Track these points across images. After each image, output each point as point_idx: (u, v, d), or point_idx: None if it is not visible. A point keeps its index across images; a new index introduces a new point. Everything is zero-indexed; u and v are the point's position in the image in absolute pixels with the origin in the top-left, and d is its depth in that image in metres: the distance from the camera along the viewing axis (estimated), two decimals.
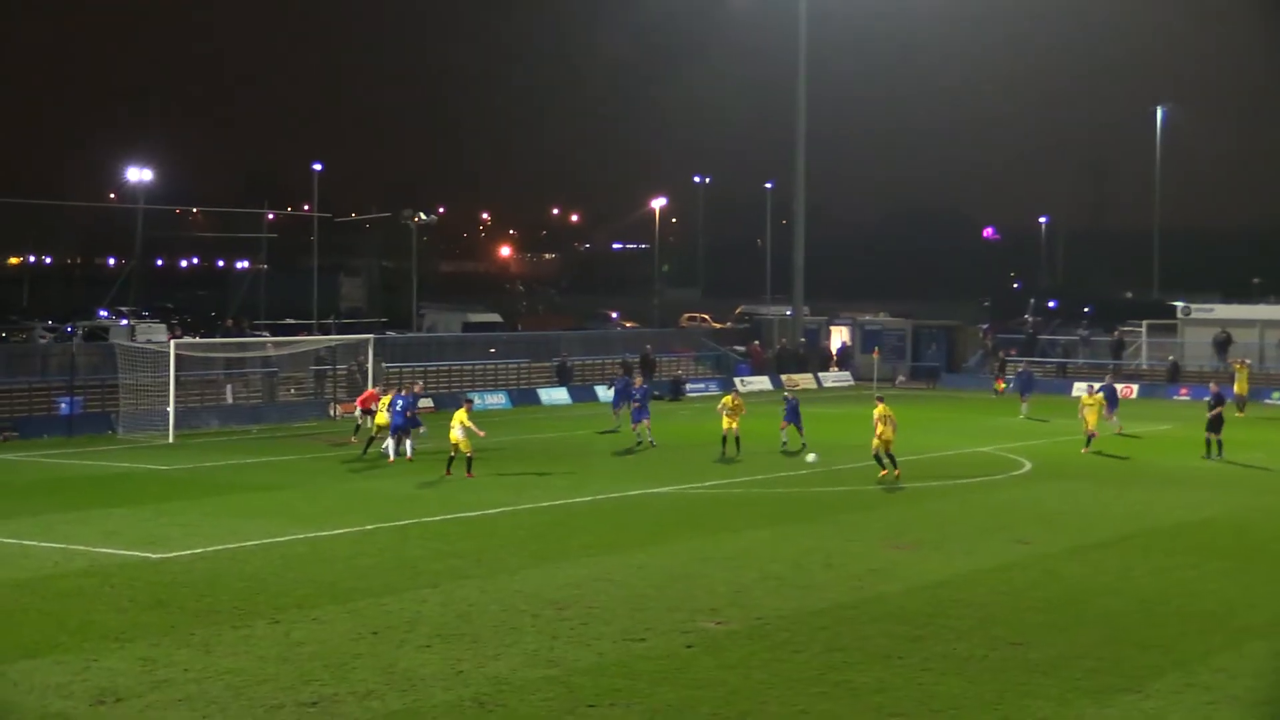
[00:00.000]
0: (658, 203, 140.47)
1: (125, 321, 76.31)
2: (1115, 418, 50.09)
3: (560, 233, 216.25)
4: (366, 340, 56.06)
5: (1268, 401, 64.68)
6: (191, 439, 48.31)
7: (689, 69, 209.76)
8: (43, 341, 68.78)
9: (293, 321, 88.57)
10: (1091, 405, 46.02)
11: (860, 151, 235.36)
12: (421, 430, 44.23)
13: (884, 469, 38.02)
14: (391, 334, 75.14)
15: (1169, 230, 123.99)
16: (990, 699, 18.40)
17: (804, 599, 23.91)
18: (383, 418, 42.36)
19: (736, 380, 69.38)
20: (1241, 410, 58.49)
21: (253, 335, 73.02)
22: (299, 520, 31.37)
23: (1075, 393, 53.98)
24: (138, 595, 23.88)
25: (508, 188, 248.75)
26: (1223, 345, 71.47)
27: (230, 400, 55.49)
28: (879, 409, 38.57)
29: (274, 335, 71.89)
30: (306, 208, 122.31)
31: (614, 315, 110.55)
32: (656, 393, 60.95)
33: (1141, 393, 69.06)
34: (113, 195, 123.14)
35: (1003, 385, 67.75)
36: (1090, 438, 45.36)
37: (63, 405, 50.93)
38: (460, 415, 38.20)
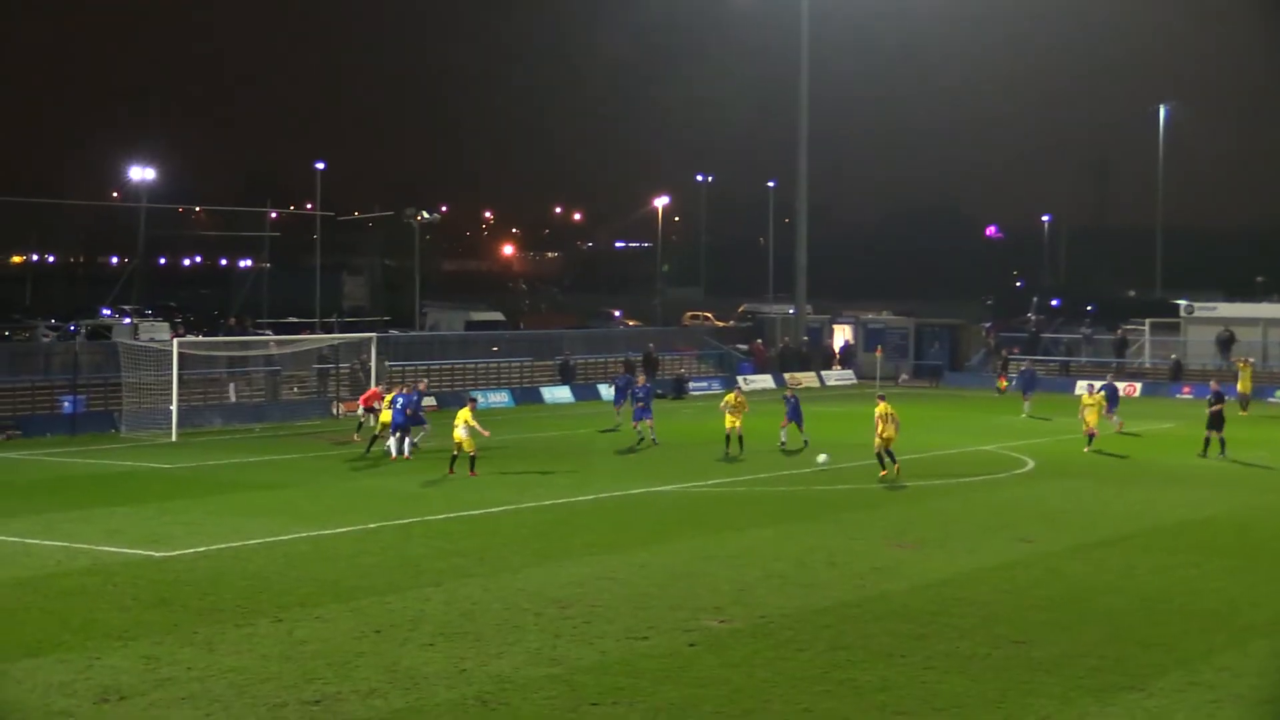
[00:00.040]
0: (660, 201, 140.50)
1: (128, 320, 76.26)
2: (1115, 416, 50.05)
3: (563, 231, 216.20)
4: (369, 339, 56.09)
5: (1271, 400, 64.66)
6: (194, 437, 48.32)
7: (691, 68, 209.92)
8: (46, 340, 68.76)
9: (295, 320, 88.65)
10: (1091, 405, 46.01)
11: (863, 150, 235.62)
12: (426, 428, 44.24)
13: (885, 468, 38.02)
14: (394, 333, 75.11)
15: (1172, 229, 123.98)
16: (993, 697, 18.40)
17: (807, 597, 23.91)
18: (387, 416, 42.45)
19: (739, 379, 69.36)
20: (1245, 409, 58.48)
21: (255, 334, 73.08)
22: (302, 519, 31.38)
23: (1078, 391, 53.91)
24: (141, 594, 23.89)
25: (510, 186, 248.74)
26: (1226, 344, 71.45)
27: (233, 399, 55.50)
28: (880, 407, 38.60)
29: (277, 334, 72.00)
30: (309, 206, 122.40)
31: (617, 314, 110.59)
32: (659, 391, 60.97)
33: (1144, 391, 69.07)
34: (116, 194, 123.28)
35: (1005, 383, 67.76)
36: (1090, 437, 45.37)
37: (66, 404, 50.94)
38: (465, 414, 38.21)
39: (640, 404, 46.84)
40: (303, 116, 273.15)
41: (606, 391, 60.17)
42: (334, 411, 54.93)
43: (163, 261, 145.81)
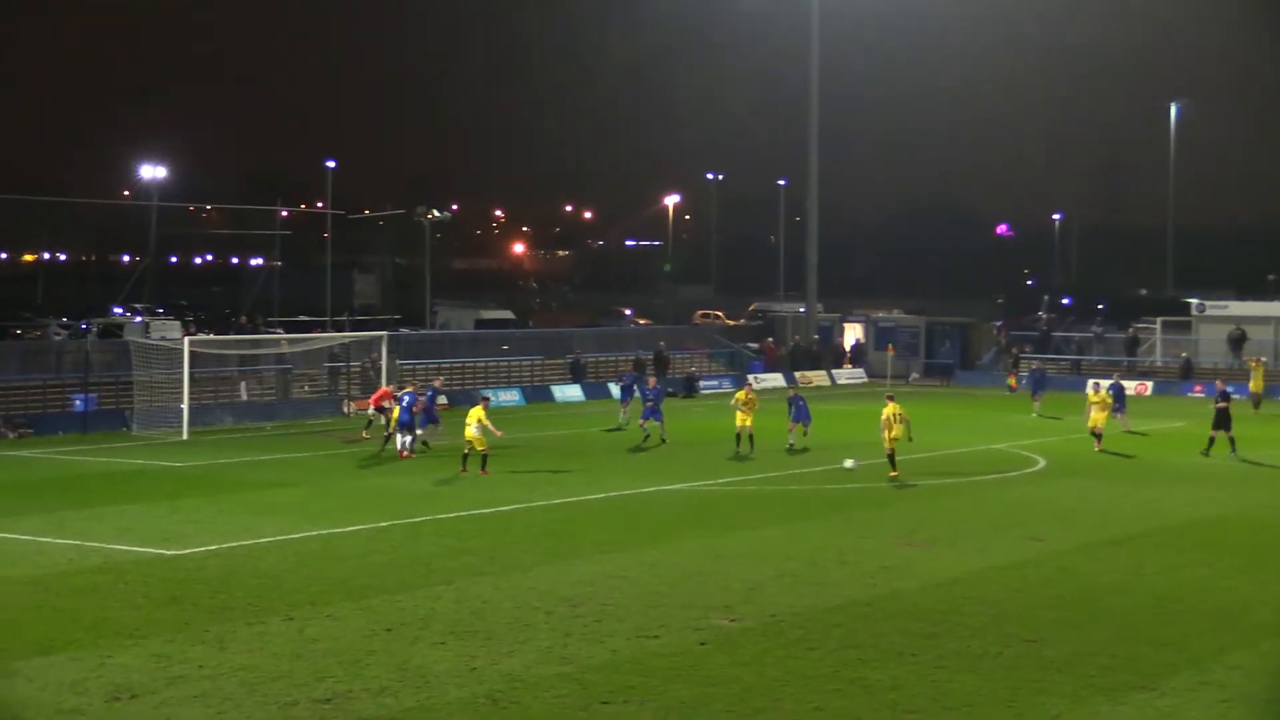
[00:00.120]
0: (671, 200, 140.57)
1: (139, 318, 76.43)
2: (1120, 416, 49.89)
3: (574, 230, 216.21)
4: (380, 337, 56.15)
5: None
6: (205, 436, 48.39)
7: (701, 66, 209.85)
8: (57, 338, 68.83)
9: (306, 318, 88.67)
10: (1097, 403, 45.94)
11: (873, 149, 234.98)
12: (439, 427, 44.27)
13: (895, 468, 37.99)
14: (405, 331, 75.19)
15: (1183, 227, 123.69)
16: (1004, 696, 18.39)
17: (818, 596, 23.90)
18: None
19: (750, 377, 69.32)
20: (1257, 408, 58.36)
21: (267, 332, 73.17)
22: (313, 517, 31.42)
23: (1087, 390, 53.84)
24: (152, 592, 23.93)
25: (521, 185, 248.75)
26: (1237, 342, 71.35)
27: (244, 397, 55.57)
28: (889, 409, 38.55)
29: (288, 332, 72.04)
30: (320, 205, 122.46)
31: (628, 312, 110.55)
32: (670, 390, 60.98)
33: (1156, 390, 69.03)
34: (127, 193, 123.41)
35: (1015, 381, 67.68)
36: (1098, 436, 45.24)
37: (77, 402, 51.03)
38: (477, 412, 38.25)
39: (650, 404, 46.83)
40: (313, 115, 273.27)
41: (617, 390, 60.18)
42: (345, 410, 54.97)
43: (174, 260, 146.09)
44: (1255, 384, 60.08)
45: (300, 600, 23.23)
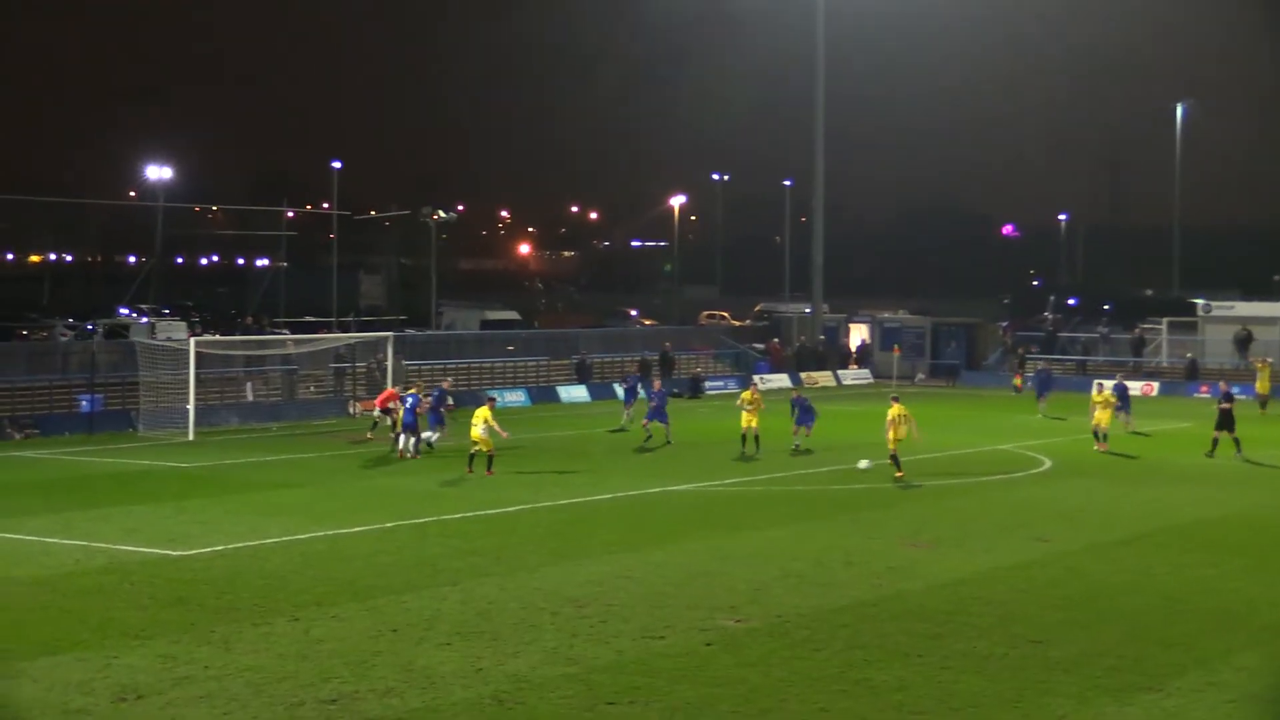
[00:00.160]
0: (676, 200, 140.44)
1: (145, 319, 76.45)
2: (1124, 415, 49.79)
3: (579, 230, 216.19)
4: (386, 338, 56.17)
5: None
6: (211, 436, 48.42)
7: (707, 67, 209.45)
8: (63, 339, 68.89)
9: (312, 319, 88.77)
10: (1101, 403, 45.90)
11: (878, 149, 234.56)
12: (444, 430, 44.24)
13: (900, 469, 37.97)
14: (410, 332, 75.24)
15: (1189, 227, 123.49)
16: (1010, 697, 18.38)
17: (824, 597, 23.89)
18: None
19: (755, 378, 69.32)
20: (1264, 409, 58.29)
21: (272, 333, 73.21)
22: (319, 518, 31.43)
23: (1093, 390, 53.77)
24: (158, 592, 23.94)
25: (527, 185, 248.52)
26: (1243, 343, 71.28)
27: (250, 398, 55.61)
28: (894, 410, 38.55)
29: (293, 333, 72.11)
30: (326, 205, 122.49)
31: (633, 313, 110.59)
32: (675, 390, 60.96)
33: (1162, 390, 68.97)
34: (133, 193, 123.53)
35: (1020, 381, 67.64)
36: (1101, 435, 45.18)
37: (83, 403, 51.08)
38: (484, 413, 38.25)
39: (654, 404, 46.86)
40: (319, 115, 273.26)
41: (620, 392, 60.19)
42: (350, 410, 55.01)
43: (180, 261, 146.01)
44: (1261, 384, 59.99)
45: (306, 601, 23.24)
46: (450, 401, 46.29)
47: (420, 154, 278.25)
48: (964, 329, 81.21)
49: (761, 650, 20.39)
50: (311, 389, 58.27)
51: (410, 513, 32.01)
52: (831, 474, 39.53)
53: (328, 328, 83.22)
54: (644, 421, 47.07)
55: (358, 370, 57.90)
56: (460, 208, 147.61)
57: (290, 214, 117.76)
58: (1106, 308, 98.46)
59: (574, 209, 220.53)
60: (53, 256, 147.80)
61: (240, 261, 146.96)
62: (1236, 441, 43.65)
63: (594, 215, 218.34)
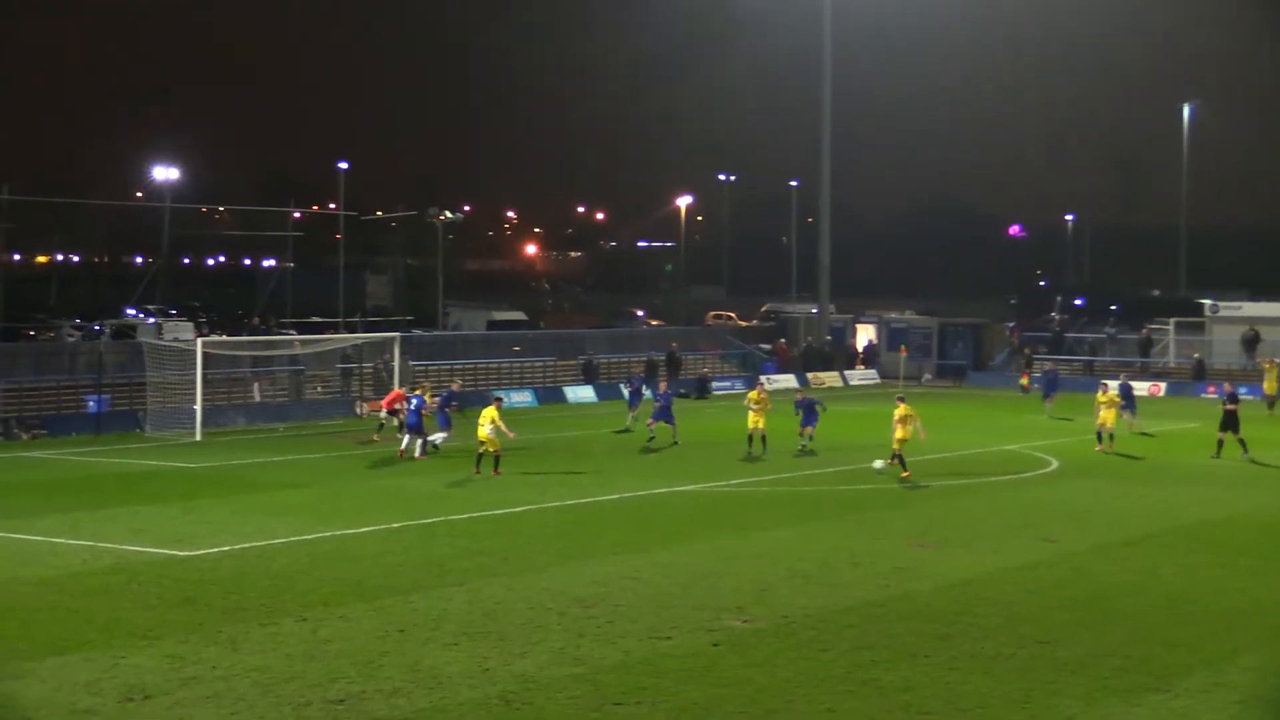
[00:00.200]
0: (683, 201, 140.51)
1: (152, 320, 76.59)
2: (1127, 415, 49.73)
3: (586, 231, 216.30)
4: (393, 338, 56.19)
5: None
6: (218, 437, 48.46)
7: (713, 67, 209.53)
8: (71, 340, 69.00)
9: (319, 320, 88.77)
10: (1106, 402, 45.85)
11: (885, 149, 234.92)
12: (449, 432, 44.21)
13: (906, 469, 37.96)
14: (417, 332, 75.22)
15: (1196, 227, 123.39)
16: (1017, 697, 18.36)
17: (830, 597, 23.88)
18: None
19: (762, 378, 69.30)
20: (1271, 409, 58.22)
21: (279, 333, 73.26)
22: (326, 518, 31.45)
23: (1098, 390, 53.72)
24: (165, 593, 23.96)
25: (533, 186, 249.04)
26: (1251, 343, 71.22)
27: (257, 398, 55.64)
28: (900, 410, 38.57)
29: (300, 333, 72.13)
30: (332, 206, 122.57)
31: (640, 313, 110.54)
32: (682, 390, 60.92)
33: (1169, 391, 68.92)
34: (139, 194, 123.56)
35: (1027, 381, 67.58)
36: (1106, 435, 45.11)
37: (90, 403, 51.10)
38: (491, 413, 38.25)
39: (659, 405, 46.87)
40: (326, 116, 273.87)
41: (626, 392, 60.19)
42: (357, 411, 55.04)
43: (187, 261, 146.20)
44: (1269, 385, 59.91)
45: (313, 601, 23.25)
46: (455, 404, 46.27)
47: (427, 154, 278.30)
48: (971, 329, 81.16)
49: (768, 651, 20.39)
50: (318, 389, 58.29)
51: (417, 513, 32.02)
52: (838, 474, 39.53)
53: (334, 328, 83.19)
54: (649, 422, 47.07)
55: (364, 371, 57.93)
56: (466, 208, 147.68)
57: (297, 215, 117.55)
58: (1113, 308, 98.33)
59: (580, 209, 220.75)
60: (60, 257, 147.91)
61: (247, 262, 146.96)
62: (1242, 442, 43.59)
63: (600, 216, 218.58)
